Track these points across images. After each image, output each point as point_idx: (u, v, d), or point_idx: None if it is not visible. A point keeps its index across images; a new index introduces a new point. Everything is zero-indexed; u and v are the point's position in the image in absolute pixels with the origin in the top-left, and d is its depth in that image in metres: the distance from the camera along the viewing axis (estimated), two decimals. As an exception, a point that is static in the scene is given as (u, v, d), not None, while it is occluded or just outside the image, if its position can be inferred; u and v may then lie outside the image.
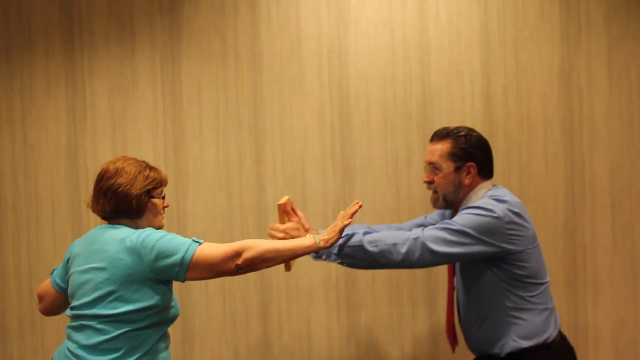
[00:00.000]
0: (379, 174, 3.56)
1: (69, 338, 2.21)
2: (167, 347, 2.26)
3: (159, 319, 2.19)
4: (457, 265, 2.55)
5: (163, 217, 2.34)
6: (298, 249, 2.20)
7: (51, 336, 3.69)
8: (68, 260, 2.33)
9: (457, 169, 2.41)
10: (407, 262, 2.29)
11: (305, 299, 3.61)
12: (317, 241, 2.21)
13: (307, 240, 2.22)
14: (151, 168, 2.30)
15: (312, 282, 3.59)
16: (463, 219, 2.29)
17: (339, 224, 2.24)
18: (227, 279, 3.62)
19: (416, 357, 3.58)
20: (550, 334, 2.38)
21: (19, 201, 3.73)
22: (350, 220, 2.24)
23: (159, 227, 2.32)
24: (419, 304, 3.57)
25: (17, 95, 3.74)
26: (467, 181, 2.42)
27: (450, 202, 2.46)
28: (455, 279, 2.62)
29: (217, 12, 3.64)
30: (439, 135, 2.47)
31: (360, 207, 2.28)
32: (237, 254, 2.15)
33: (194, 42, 3.65)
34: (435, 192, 2.47)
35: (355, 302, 3.58)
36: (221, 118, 3.64)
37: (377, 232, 2.40)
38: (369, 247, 2.30)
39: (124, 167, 2.23)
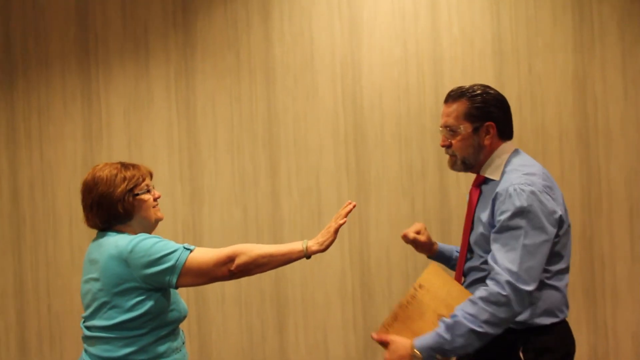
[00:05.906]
0: (394, 185, 3.56)
1: (84, 348, 2.24)
2: (175, 350, 2.24)
3: (157, 323, 2.18)
4: (474, 239, 2.30)
5: (158, 209, 2.30)
6: (292, 253, 2.17)
7: (70, 351, 3.71)
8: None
9: (476, 130, 2.25)
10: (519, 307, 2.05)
11: (321, 311, 3.61)
12: (306, 246, 2.16)
13: (299, 245, 2.19)
14: (127, 167, 2.27)
15: (328, 294, 3.59)
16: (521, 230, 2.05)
17: (333, 225, 2.21)
18: (243, 292, 3.62)
19: (434, 368, 3.56)
20: (565, 314, 2.20)
21: (37, 217, 3.77)
22: (345, 220, 2.19)
23: (157, 220, 2.29)
24: (436, 315, 3.55)
25: (34, 112, 3.78)
26: (486, 142, 2.25)
27: (469, 165, 2.30)
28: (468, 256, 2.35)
29: (231, 27, 3.67)
30: (453, 96, 2.31)
31: (354, 207, 2.23)
32: (230, 259, 2.13)
33: (207, 57, 3.68)
34: (453, 155, 2.31)
35: (371, 314, 3.57)
36: (235, 132, 3.66)
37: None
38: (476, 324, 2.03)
39: (99, 175, 2.22)
